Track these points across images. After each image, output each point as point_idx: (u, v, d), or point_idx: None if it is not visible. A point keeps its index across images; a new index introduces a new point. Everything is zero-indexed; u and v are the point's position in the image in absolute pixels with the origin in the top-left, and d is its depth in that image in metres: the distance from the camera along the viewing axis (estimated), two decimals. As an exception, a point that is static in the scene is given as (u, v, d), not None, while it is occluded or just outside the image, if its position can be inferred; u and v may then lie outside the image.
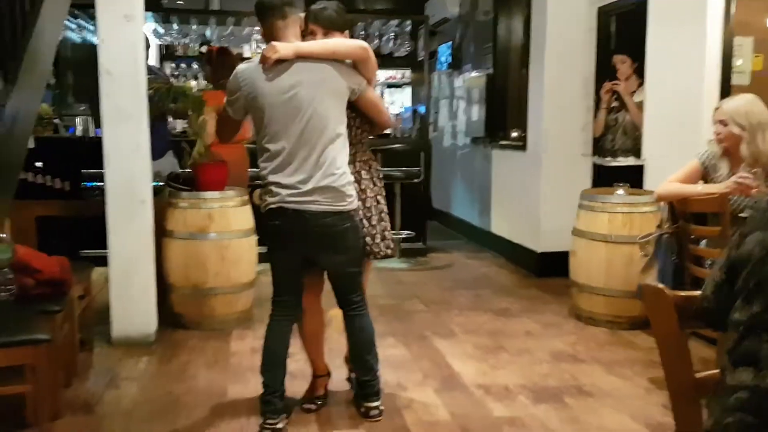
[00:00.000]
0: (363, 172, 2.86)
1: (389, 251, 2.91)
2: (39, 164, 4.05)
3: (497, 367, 3.47)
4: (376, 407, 2.84)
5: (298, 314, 2.81)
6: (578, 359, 3.58)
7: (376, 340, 2.92)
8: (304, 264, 2.72)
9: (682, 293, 1.11)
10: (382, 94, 9.33)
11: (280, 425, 2.69)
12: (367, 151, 2.91)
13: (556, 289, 4.93)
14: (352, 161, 2.76)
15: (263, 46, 2.63)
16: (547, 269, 5.32)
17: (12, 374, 2.68)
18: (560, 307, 4.53)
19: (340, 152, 2.62)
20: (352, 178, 2.69)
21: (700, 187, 3.14)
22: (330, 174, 2.57)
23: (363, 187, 2.84)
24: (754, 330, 0.86)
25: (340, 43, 2.64)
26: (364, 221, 2.82)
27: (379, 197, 2.90)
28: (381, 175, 2.96)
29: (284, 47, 2.55)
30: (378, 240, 2.86)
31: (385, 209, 2.92)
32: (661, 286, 1.11)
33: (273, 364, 2.73)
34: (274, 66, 2.55)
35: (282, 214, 2.59)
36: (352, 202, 2.66)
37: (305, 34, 2.72)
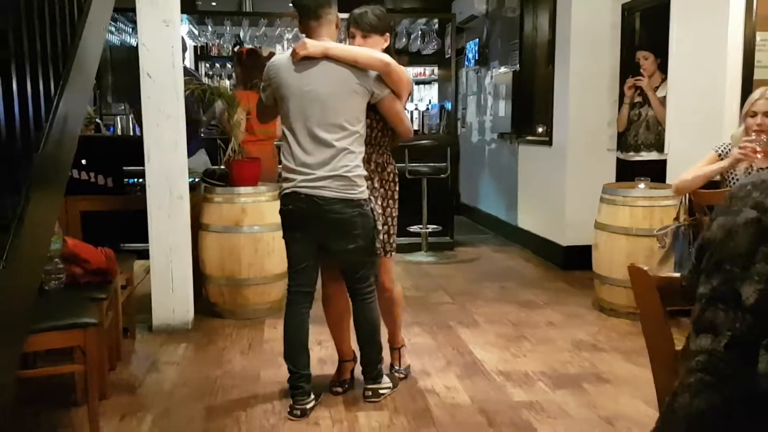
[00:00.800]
0: (374, 175, 2.98)
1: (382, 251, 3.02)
2: (83, 161, 4.27)
3: (518, 355, 3.59)
4: (371, 389, 3.00)
5: (311, 301, 2.95)
6: (598, 348, 3.68)
7: (397, 328, 3.15)
8: (318, 251, 2.87)
9: (665, 275, 1.23)
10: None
11: (308, 406, 2.86)
12: (384, 154, 3.02)
13: (580, 281, 5.03)
14: (366, 160, 2.90)
15: (294, 44, 2.82)
16: (572, 262, 5.41)
17: (62, 357, 2.92)
18: (584, 299, 4.62)
19: (353, 147, 2.77)
20: (364, 171, 2.83)
21: (709, 168, 3.21)
22: (342, 165, 2.74)
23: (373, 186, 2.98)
24: (713, 302, 0.98)
25: (364, 52, 2.78)
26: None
27: (388, 200, 3.04)
28: (395, 178, 3.08)
29: (314, 45, 2.72)
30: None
31: (393, 213, 3.06)
32: (644, 267, 1.24)
33: (295, 351, 2.91)
34: (302, 61, 2.74)
35: (295, 199, 2.78)
36: (363, 192, 2.80)
37: (348, 36, 2.94)
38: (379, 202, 2.97)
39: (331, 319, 3.10)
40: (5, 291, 1.86)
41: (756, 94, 3.36)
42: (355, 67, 2.74)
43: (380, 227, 2.96)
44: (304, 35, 2.81)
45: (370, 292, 2.95)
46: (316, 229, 2.81)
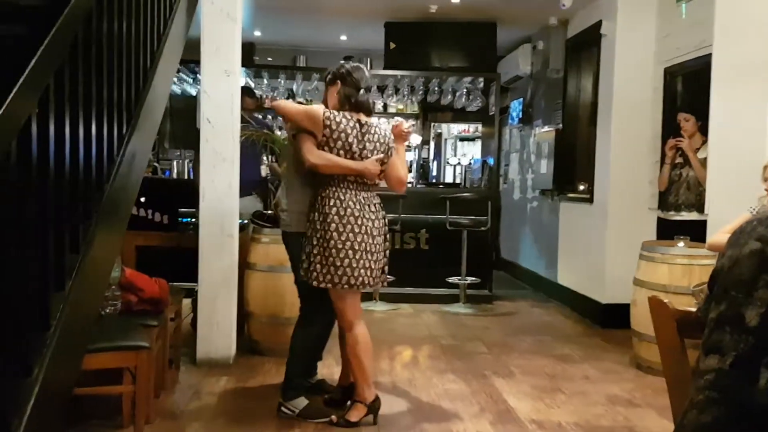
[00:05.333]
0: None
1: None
2: (142, 199, 4.53)
3: (552, 405, 3.61)
4: (279, 403, 3.31)
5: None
6: (633, 404, 3.67)
7: (359, 376, 3.24)
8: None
9: (683, 308, 1.32)
10: (455, 147, 9.69)
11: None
12: (327, 187, 3.16)
13: (619, 339, 5.00)
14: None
15: None
16: (611, 320, 5.39)
17: (111, 380, 3.08)
18: (621, 356, 4.61)
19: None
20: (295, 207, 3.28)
21: None
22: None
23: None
24: (719, 325, 1.07)
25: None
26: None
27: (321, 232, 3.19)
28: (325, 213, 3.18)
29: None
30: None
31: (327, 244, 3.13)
32: (665, 300, 1.33)
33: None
34: None
35: None
36: (287, 225, 3.31)
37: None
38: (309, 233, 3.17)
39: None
40: (74, 307, 2.03)
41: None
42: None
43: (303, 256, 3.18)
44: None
45: (303, 313, 3.43)
46: None
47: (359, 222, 3.08)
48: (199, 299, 4.14)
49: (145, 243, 4.38)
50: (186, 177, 6.70)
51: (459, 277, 6.15)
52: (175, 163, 6.92)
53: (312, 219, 3.15)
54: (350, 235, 3.06)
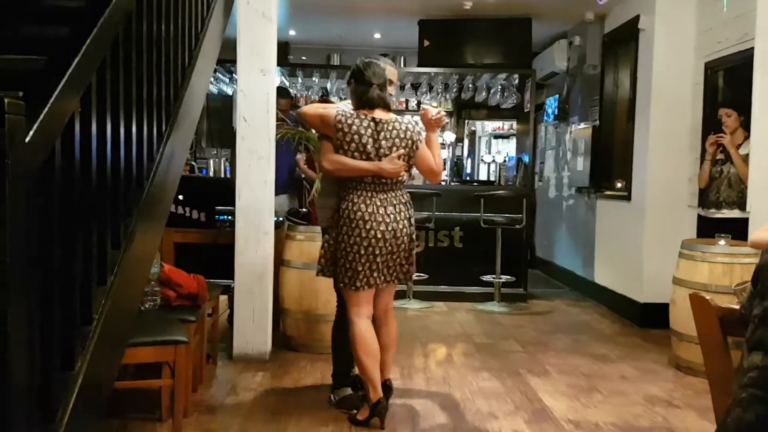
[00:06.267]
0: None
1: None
2: (180, 197, 4.61)
3: (589, 405, 3.56)
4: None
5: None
6: (672, 404, 3.60)
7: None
8: None
9: (725, 305, 1.29)
10: (489, 144, 9.63)
11: None
12: (345, 189, 3.19)
13: (657, 339, 4.92)
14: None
15: None
16: (650, 320, 5.31)
17: (151, 374, 3.14)
18: (660, 356, 4.53)
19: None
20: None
21: None
22: None
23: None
24: (765, 321, 1.04)
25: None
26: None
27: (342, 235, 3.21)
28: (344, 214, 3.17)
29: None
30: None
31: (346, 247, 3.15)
32: (707, 296, 1.30)
33: None
34: None
35: None
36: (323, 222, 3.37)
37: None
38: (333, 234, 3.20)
39: None
40: (115, 302, 2.08)
41: None
42: None
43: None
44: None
45: (336, 310, 3.51)
46: None
47: (368, 226, 3.05)
48: (235, 295, 4.20)
49: (183, 240, 4.45)
50: (222, 175, 6.80)
51: (493, 276, 6.11)
52: (211, 161, 7.04)
53: (333, 217, 3.19)
54: (357, 239, 3.05)
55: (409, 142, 3.15)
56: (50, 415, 1.65)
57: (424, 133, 3.22)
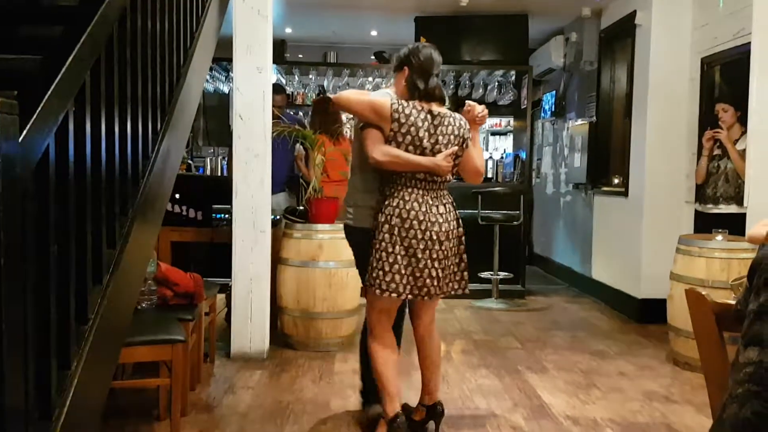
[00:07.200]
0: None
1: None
2: (176, 195, 4.60)
3: (587, 401, 3.56)
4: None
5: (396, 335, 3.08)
6: (670, 400, 3.61)
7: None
8: None
9: (721, 301, 1.29)
10: (486, 141, 9.62)
11: None
12: (393, 185, 2.89)
13: (655, 335, 4.93)
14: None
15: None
16: (648, 315, 5.31)
17: (148, 374, 3.15)
18: (658, 352, 4.53)
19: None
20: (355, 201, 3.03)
21: None
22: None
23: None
24: (760, 316, 1.04)
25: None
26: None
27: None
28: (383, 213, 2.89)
29: None
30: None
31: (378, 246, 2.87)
32: (703, 292, 1.30)
33: None
34: None
35: None
36: (352, 220, 3.01)
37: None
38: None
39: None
40: (111, 301, 2.07)
41: None
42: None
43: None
44: None
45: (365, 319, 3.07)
46: None
47: (423, 227, 2.78)
48: (233, 294, 4.20)
49: (180, 239, 4.45)
50: (219, 174, 6.79)
51: (491, 272, 6.11)
52: (208, 160, 7.02)
53: (378, 220, 2.85)
54: (413, 241, 2.77)
55: (461, 139, 2.92)
56: (47, 413, 1.64)
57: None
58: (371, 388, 3.07)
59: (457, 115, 2.96)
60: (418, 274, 2.79)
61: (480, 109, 3.01)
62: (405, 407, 3.05)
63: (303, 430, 3.08)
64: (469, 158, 2.99)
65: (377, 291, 2.81)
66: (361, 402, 3.23)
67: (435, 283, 2.83)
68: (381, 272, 2.79)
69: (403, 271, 2.78)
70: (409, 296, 2.83)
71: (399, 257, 2.78)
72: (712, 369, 1.25)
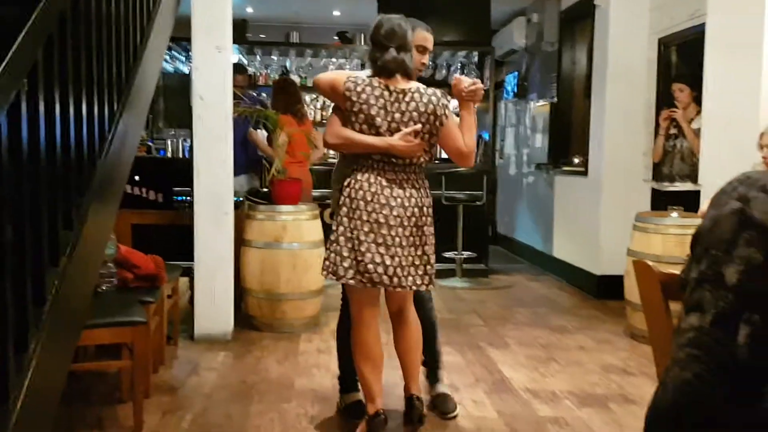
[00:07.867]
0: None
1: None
2: (136, 177, 4.54)
3: (547, 375, 3.66)
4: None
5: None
6: (627, 372, 3.72)
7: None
8: None
9: (667, 271, 1.34)
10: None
11: None
12: (352, 166, 2.80)
13: (613, 310, 5.05)
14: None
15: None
16: (607, 291, 5.44)
17: (110, 356, 3.12)
18: (616, 327, 4.65)
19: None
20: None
21: None
22: None
23: None
24: (700, 283, 1.09)
25: None
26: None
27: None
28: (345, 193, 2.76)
29: None
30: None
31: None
32: (650, 263, 1.35)
33: None
34: None
35: None
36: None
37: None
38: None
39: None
40: (68, 283, 2.05)
41: (765, 126, 3.43)
42: None
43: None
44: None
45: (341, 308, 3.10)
46: None
47: (369, 208, 2.61)
48: (195, 276, 4.17)
49: (140, 221, 4.38)
50: (181, 155, 6.71)
51: (455, 252, 6.17)
52: (169, 142, 6.92)
53: (339, 203, 2.74)
54: (357, 222, 2.61)
55: (431, 117, 2.65)
56: (3, 396, 1.63)
57: (454, 107, 2.76)
58: (348, 375, 3.06)
59: (430, 90, 2.70)
60: (360, 258, 2.61)
61: (467, 83, 2.74)
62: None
63: (268, 409, 3.10)
64: (446, 137, 2.71)
65: (323, 272, 2.73)
66: (338, 389, 3.16)
67: (381, 271, 2.60)
68: (329, 252, 2.69)
69: (345, 254, 2.63)
70: (351, 281, 2.64)
71: (342, 239, 2.64)
72: (659, 336, 1.30)
